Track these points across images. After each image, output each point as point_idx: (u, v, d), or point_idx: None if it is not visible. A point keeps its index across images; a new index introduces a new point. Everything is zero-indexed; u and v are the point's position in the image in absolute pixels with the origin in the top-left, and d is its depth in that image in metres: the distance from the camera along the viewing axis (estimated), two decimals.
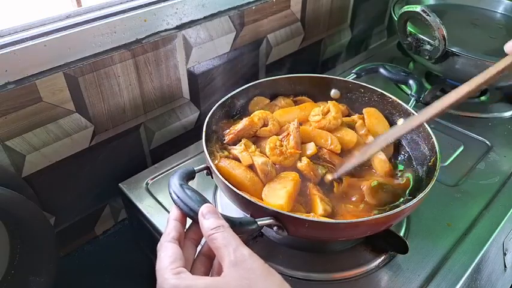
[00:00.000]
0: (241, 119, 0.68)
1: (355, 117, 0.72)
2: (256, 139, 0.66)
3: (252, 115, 0.67)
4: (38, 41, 0.58)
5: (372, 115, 0.72)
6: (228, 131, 0.66)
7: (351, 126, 0.70)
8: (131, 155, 0.80)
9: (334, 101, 0.71)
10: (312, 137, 0.66)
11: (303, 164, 0.61)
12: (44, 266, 0.62)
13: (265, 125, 0.67)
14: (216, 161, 0.60)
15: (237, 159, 0.61)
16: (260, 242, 0.63)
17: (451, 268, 0.60)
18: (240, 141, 0.64)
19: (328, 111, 0.69)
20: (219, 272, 0.40)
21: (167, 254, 0.42)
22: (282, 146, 0.62)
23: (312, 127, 0.67)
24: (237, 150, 0.62)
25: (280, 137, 0.64)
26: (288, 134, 0.63)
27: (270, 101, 0.75)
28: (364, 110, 0.73)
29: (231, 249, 0.40)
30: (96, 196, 0.78)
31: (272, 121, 0.67)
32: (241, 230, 0.46)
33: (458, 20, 1.05)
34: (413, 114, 0.68)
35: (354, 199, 0.60)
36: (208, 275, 0.46)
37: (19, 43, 0.57)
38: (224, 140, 0.65)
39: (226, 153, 0.63)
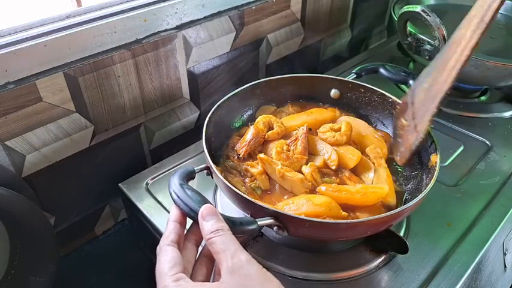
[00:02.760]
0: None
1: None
2: (264, 143, 0.66)
3: (255, 122, 0.67)
4: (38, 41, 0.58)
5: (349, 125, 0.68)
6: (239, 145, 0.65)
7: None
8: (131, 155, 0.80)
9: (348, 121, 0.69)
10: (314, 145, 0.65)
11: (308, 171, 0.60)
12: (44, 266, 0.62)
13: (270, 128, 0.67)
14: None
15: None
16: (260, 242, 0.63)
17: (451, 268, 0.60)
18: (255, 152, 0.64)
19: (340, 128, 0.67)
20: (220, 274, 0.40)
21: (166, 259, 0.41)
22: (289, 150, 0.62)
23: (318, 138, 0.66)
24: (255, 170, 0.61)
25: (288, 141, 0.63)
26: (296, 138, 0.63)
27: (277, 108, 0.75)
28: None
29: (228, 254, 0.40)
30: (96, 196, 0.78)
31: (276, 123, 0.67)
32: (242, 230, 0.46)
33: (458, 20, 1.05)
34: None
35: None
36: (210, 276, 0.46)
37: (19, 43, 0.57)
38: (239, 155, 0.64)
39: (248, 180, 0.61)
